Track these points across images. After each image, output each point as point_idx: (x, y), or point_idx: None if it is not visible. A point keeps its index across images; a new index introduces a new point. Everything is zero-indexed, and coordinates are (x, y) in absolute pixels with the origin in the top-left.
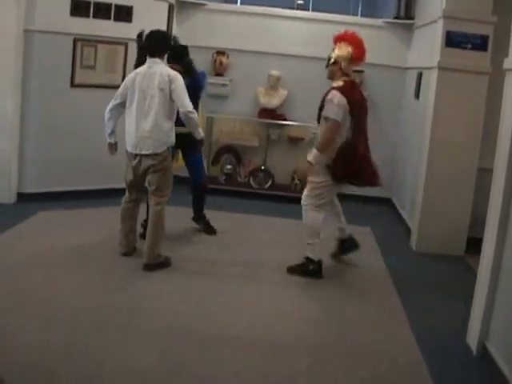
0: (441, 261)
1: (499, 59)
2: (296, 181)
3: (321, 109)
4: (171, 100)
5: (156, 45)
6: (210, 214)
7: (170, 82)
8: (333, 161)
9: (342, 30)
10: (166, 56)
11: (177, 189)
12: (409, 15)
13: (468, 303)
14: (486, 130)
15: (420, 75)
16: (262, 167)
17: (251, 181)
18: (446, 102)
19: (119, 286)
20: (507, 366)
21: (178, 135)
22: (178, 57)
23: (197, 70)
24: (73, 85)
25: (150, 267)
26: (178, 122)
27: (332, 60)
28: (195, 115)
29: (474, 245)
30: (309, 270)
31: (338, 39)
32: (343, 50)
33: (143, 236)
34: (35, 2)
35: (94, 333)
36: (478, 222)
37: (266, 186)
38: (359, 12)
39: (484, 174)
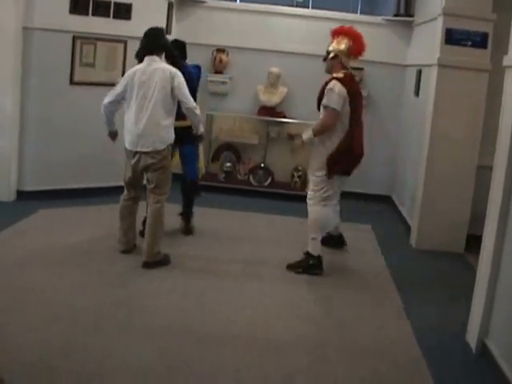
0: (441, 258)
1: (499, 56)
2: (296, 178)
3: (320, 97)
4: (172, 97)
5: (154, 42)
6: (209, 212)
7: (172, 78)
8: (330, 155)
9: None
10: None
11: (175, 186)
12: (408, 12)
13: (468, 301)
14: (485, 128)
15: (420, 72)
16: (262, 165)
17: (251, 178)
18: (446, 100)
19: (119, 283)
20: (507, 363)
21: (175, 129)
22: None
23: (183, 64)
24: (72, 82)
25: (149, 265)
26: (176, 116)
27: (332, 54)
28: (199, 111)
29: (474, 242)
30: (309, 264)
31: (336, 33)
32: (342, 44)
33: (142, 234)
34: None
35: (94, 331)
36: (477, 219)
37: (266, 183)
38: (359, 9)
39: (484, 172)
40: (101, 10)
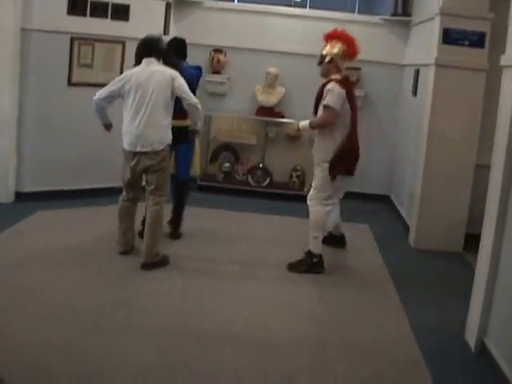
0: (439, 257)
1: (496, 56)
2: (294, 179)
3: (317, 100)
4: (171, 97)
5: (151, 48)
6: (208, 212)
7: (173, 80)
8: (332, 156)
9: (339, 27)
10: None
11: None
12: (406, 12)
13: (466, 300)
14: (483, 127)
15: (417, 72)
16: (260, 165)
17: (249, 179)
18: (444, 99)
19: (118, 284)
20: (506, 362)
21: (172, 128)
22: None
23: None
24: (70, 83)
25: (148, 266)
26: (173, 115)
27: (328, 58)
28: (200, 106)
29: (473, 241)
30: (312, 262)
31: (329, 37)
32: (335, 48)
33: (141, 234)
34: (32, 1)
35: (94, 332)
36: (475, 218)
37: (264, 183)
38: (356, 9)
39: (482, 171)
40: (99, 11)
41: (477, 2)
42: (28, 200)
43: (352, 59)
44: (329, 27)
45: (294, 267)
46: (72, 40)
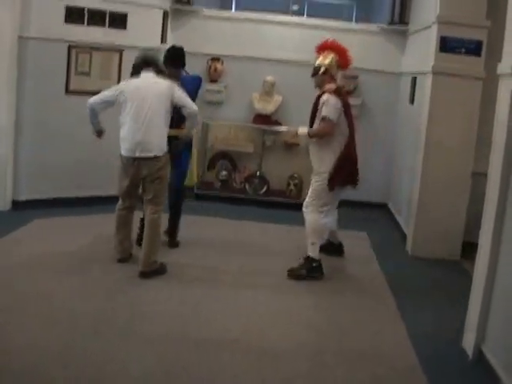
0: (436, 265)
1: (493, 64)
2: (291, 187)
3: (313, 112)
4: (170, 109)
5: (152, 58)
6: (205, 220)
7: (171, 92)
8: (331, 169)
9: (336, 35)
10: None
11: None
12: (403, 21)
13: (464, 307)
14: (480, 135)
15: (414, 80)
16: (258, 173)
17: (246, 187)
18: (441, 107)
19: (116, 290)
20: (503, 369)
21: (169, 137)
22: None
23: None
24: (68, 91)
25: (145, 275)
26: (170, 125)
27: (323, 69)
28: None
29: (470, 249)
30: (312, 266)
31: (321, 48)
32: (327, 59)
33: (138, 240)
34: (30, 9)
35: (93, 337)
36: (473, 226)
37: (262, 192)
38: (354, 17)
39: (479, 178)
40: (96, 20)
41: (474, 11)
42: (25, 208)
43: (345, 69)
44: (326, 36)
45: (293, 272)
46: (69, 48)
